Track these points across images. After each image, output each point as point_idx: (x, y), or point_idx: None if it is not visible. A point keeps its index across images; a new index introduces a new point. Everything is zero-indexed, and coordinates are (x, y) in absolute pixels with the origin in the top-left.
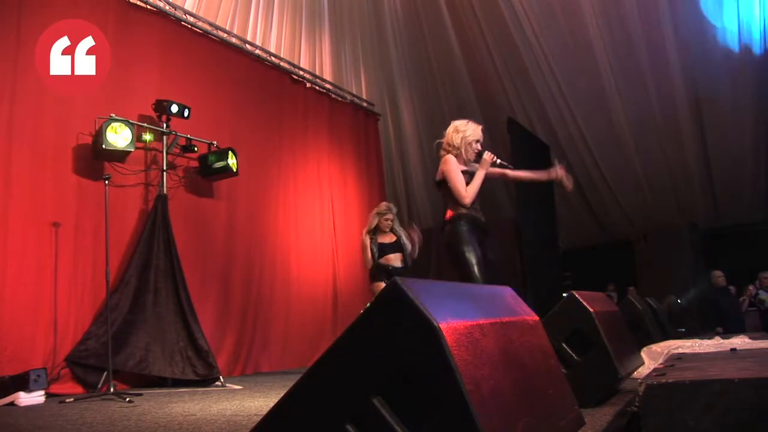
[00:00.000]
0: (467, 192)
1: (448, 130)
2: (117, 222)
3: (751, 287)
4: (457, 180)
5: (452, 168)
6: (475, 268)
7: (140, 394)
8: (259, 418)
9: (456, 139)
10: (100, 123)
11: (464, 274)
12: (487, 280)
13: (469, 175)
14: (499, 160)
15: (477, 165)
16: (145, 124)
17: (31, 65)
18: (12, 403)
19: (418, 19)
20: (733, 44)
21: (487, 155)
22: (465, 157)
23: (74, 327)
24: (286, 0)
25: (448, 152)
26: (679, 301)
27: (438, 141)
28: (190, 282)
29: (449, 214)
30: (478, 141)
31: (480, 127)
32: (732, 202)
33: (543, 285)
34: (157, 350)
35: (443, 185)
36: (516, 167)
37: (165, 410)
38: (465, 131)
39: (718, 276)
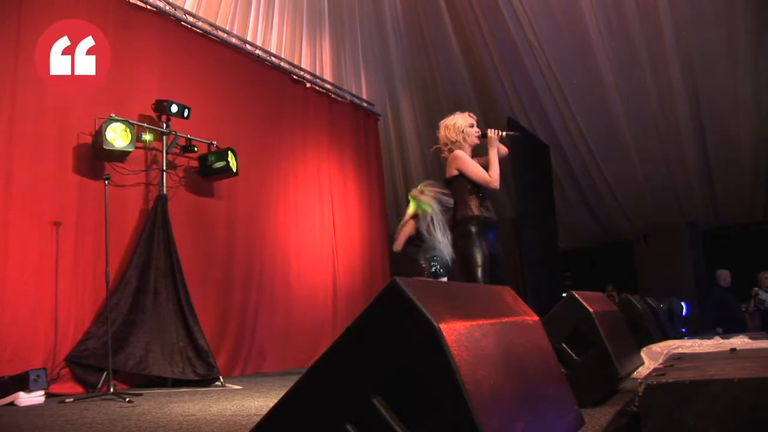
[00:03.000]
0: (491, 176)
1: (440, 133)
2: (117, 222)
3: (755, 288)
4: (476, 169)
5: (467, 161)
6: (479, 271)
7: (140, 394)
8: (259, 418)
9: (451, 135)
10: (100, 123)
11: (468, 276)
12: (495, 278)
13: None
14: (504, 133)
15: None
16: (145, 124)
17: (31, 65)
18: (12, 403)
19: (418, 19)
20: None
21: (491, 132)
22: (469, 144)
23: (74, 327)
24: (287, 0)
25: (453, 150)
26: (682, 304)
27: (435, 147)
28: (190, 282)
29: (460, 215)
30: (471, 125)
31: (466, 113)
32: (732, 202)
33: (543, 285)
34: (156, 350)
35: (453, 182)
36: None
37: (165, 410)
38: (455, 123)
39: (724, 276)
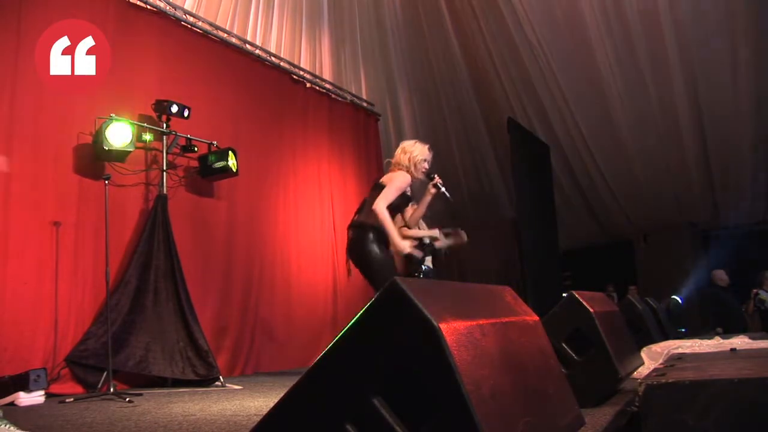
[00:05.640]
0: (414, 216)
1: (396, 151)
2: (117, 222)
3: (755, 290)
4: (392, 197)
5: (398, 191)
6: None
7: (140, 394)
8: (259, 418)
9: (404, 159)
10: (100, 123)
11: (379, 279)
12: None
13: (404, 199)
14: (443, 189)
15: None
16: (145, 124)
17: (31, 65)
18: (12, 403)
19: (418, 19)
20: None
21: (437, 180)
22: (414, 176)
23: (74, 327)
24: (286, 0)
25: (400, 170)
26: (680, 300)
27: (387, 160)
28: (190, 282)
29: (366, 220)
30: (425, 160)
31: (426, 147)
32: (732, 202)
33: (543, 285)
34: (157, 350)
35: (379, 190)
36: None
37: (165, 410)
38: (412, 151)
39: (720, 275)
